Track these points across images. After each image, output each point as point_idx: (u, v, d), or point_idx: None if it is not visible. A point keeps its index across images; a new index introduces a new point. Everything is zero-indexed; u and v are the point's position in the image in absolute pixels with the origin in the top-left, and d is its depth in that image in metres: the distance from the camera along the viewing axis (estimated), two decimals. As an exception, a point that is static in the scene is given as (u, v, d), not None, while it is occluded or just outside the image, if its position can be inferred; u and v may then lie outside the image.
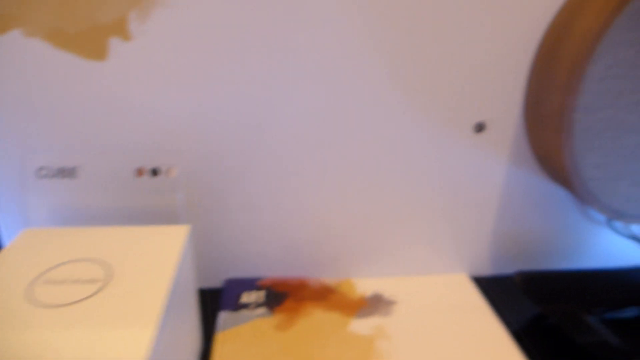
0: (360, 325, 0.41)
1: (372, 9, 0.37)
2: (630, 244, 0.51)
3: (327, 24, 0.37)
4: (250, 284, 0.45)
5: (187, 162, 0.39)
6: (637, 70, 0.36)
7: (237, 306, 0.43)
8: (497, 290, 0.47)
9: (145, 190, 0.34)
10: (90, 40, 0.35)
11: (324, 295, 0.45)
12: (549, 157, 0.42)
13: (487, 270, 0.50)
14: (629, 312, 0.47)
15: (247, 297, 0.44)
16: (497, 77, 0.41)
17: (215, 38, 0.36)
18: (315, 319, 0.42)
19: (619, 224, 0.49)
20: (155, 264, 0.30)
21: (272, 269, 0.47)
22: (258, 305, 0.43)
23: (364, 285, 0.47)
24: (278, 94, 0.39)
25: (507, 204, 0.47)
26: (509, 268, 0.51)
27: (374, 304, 0.44)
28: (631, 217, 0.42)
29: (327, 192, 0.44)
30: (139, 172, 0.33)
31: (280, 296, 0.44)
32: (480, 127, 0.43)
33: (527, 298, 0.43)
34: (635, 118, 0.38)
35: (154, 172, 0.34)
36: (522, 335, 0.41)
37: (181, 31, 0.36)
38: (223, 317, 0.41)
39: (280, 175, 0.43)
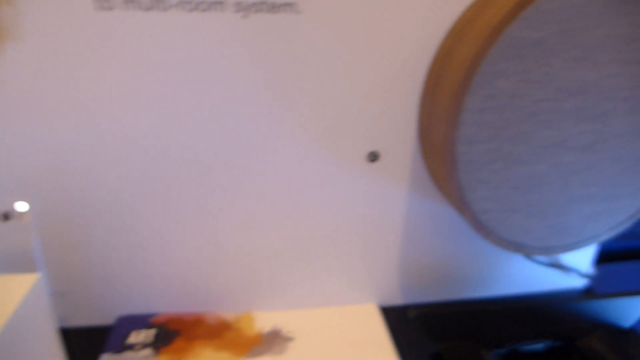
0: (249, 367, 0.39)
1: (259, 37, 0.36)
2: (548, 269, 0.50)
3: (207, 54, 0.36)
4: (142, 322, 0.43)
5: (52, 201, 0.37)
6: (518, 101, 0.35)
7: (122, 347, 0.41)
8: (406, 321, 0.46)
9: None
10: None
11: (218, 332, 0.43)
12: (442, 187, 0.41)
13: (398, 299, 0.48)
14: (540, 345, 0.45)
15: (135, 337, 0.42)
16: (386, 106, 0.39)
17: (71, 72, 0.34)
18: (202, 361, 0.40)
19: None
20: (-17, 320, 0.28)
21: (171, 304, 0.45)
22: (145, 345, 0.41)
23: (265, 320, 0.45)
24: (156, 124, 0.38)
25: (412, 232, 0.45)
26: (422, 297, 0.49)
27: (270, 341, 0.42)
28: (533, 250, 0.41)
29: (224, 224, 0.42)
30: (-12, 216, 0.32)
31: (170, 335, 0.42)
32: (374, 157, 0.41)
33: (424, 335, 0.41)
34: (523, 149, 0.36)
35: (6, 217, 0.32)
36: (418, 373, 0.40)
37: (35, 65, 0.34)
38: (104, 360, 0.39)
39: (166, 207, 0.41)
